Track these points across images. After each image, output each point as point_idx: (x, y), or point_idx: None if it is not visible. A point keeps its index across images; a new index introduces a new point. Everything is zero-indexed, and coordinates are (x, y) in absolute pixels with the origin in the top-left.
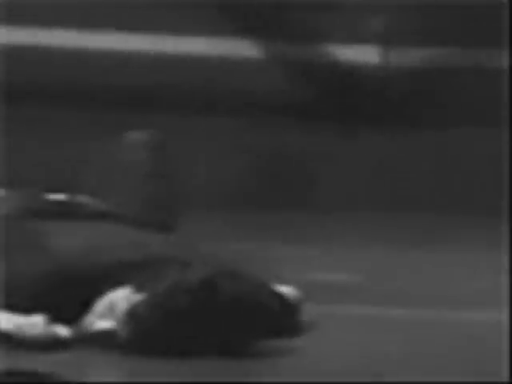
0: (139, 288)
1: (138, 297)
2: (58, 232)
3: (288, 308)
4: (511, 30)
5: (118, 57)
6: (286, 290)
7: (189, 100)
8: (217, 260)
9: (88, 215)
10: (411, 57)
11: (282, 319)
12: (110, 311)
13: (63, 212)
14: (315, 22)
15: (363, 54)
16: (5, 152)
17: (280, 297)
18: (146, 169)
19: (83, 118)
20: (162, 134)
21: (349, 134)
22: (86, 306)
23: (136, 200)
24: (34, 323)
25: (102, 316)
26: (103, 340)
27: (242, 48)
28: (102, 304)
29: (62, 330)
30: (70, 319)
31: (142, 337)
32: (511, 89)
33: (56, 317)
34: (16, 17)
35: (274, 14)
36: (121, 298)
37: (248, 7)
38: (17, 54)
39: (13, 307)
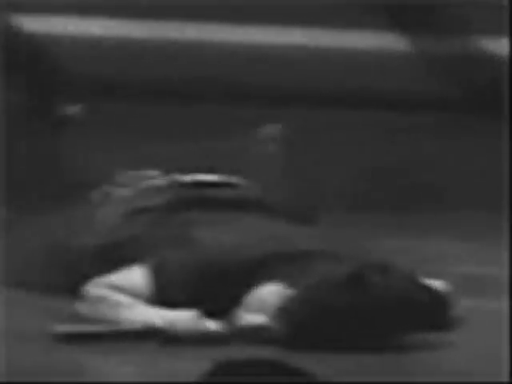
0: (289, 282)
1: (288, 292)
2: (208, 224)
3: (438, 302)
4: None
5: (254, 52)
6: (435, 283)
7: (325, 94)
8: (365, 253)
9: (237, 203)
10: None
11: (433, 313)
12: (261, 306)
13: (214, 199)
14: (463, 15)
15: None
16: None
17: (430, 290)
18: (281, 163)
19: (217, 112)
20: (294, 129)
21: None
22: (233, 300)
23: (277, 194)
24: (186, 318)
25: (252, 310)
26: (255, 335)
27: (388, 42)
28: (251, 298)
29: (213, 325)
30: (218, 314)
31: (294, 332)
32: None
33: (207, 312)
34: (157, 10)
35: (422, 9)
36: (271, 292)
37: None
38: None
39: (164, 302)
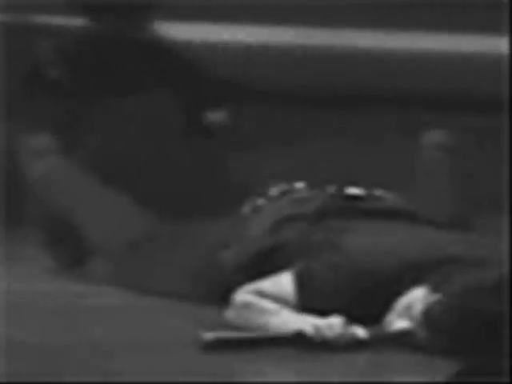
0: (435, 288)
1: (433, 297)
2: (354, 231)
3: None
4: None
5: (418, 58)
6: None
7: (490, 100)
8: None
9: (384, 211)
10: None
11: None
12: (408, 311)
13: (361, 208)
14: None
15: None
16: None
17: None
18: (445, 169)
19: (381, 118)
20: (458, 135)
21: None
22: (380, 306)
23: (437, 200)
24: (333, 324)
25: (400, 316)
26: (400, 340)
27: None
28: (400, 304)
29: (360, 331)
30: (368, 321)
31: (438, 337)
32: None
33: (354, 318)
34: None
35: None
36: (417, 298)
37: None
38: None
39: (311, 309)
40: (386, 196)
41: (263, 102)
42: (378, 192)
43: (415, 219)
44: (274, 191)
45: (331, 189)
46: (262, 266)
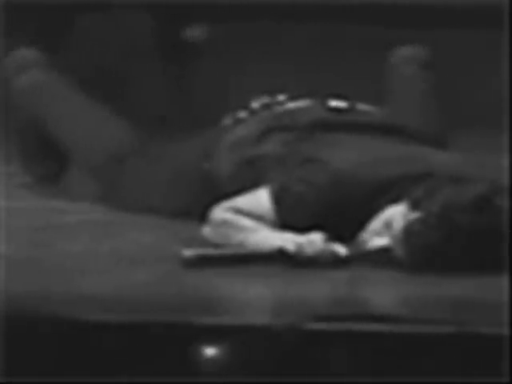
0: (415, 205)
1: (413, 214)
2: (337, 145)
3: None
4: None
5: None
6: None
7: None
8: (494, 175)
9: (367, 125)
10: None
11: None
12: (387, 228)
13: (345, 122)
14: None
15: None
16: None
17: None
18: (418, 85)
19: (354, 33)
20: (430, 50)
21: None
22: (359, 223)
23: (413, 115)
24: (313, 241)
25: (379, 233)
26: (379, 257)
27: None
28: (378, 221)
29: (340, 248)
30: (345, 237)
31: (417, 254)
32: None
33: (332, 235)
34: None
35: None
36: (397, 215)
37: None
38: None
39: (289, 226)
40: (368, 110)
41: (242, 16)
42: (360, 106)
43: (399, 134)
44: (255, 104)
45: (315, 101)
46: (244, 175)
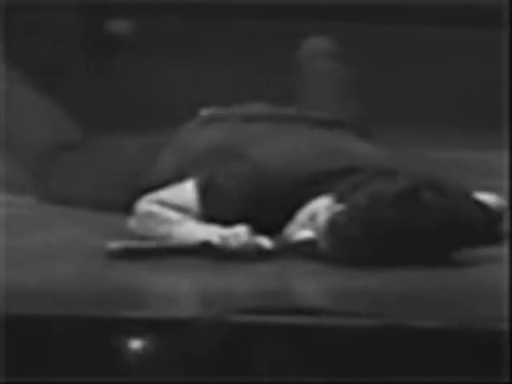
0: (339, 198)
1: (338, 207)
2: (262, 140)
3: (490, 217)
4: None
5: None
6: (490, 197)
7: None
8: (420, 170)
9: (292, 120)
10: None
11: (484, 228)
12: (311, 221)
13: (271, 116)
14: None
15: None
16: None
17: (482, 205)
18: (333, 76)
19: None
20: (341, 42)
21: None
22: (287, 216)
23: (327, 107)
24: (238, 234)
25: (304, 226)
26: (304, 250)
27: None
28: (303, 214)
29: (265, 241)
30: (272, 230)
31: (341, 247)
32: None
33: (258, 228)
34: None
35: None
36: (321, 207)
37: None
38: None
39: (214, 219)
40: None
41: (166, 12)
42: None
43: (323, 128)
44: (204, 112)
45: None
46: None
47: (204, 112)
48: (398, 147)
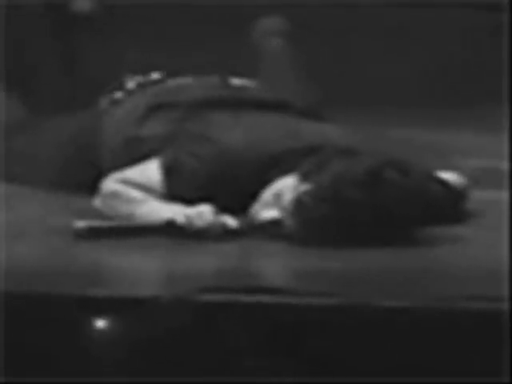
0: (304, 177)
1: (303, 186)
2: (224, 122)
3: (453, 195)
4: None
5: None
6: (451, 176)
7: None
8: (383, 149)
9: (251, 102)
10: None
11: (447, 207)
12: (277, 201)
13: (231, 98)
14: None
15: None
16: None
17: (445, 184)
18: (285, 56)
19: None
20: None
21: None
22: (252, 196)
23: (283, 88)
24: (203, 213)
25: (269, 205)
26: (270, 229)
27: None
28: (268, 193)
29: (230, 220)
30: (237, 210)
31: (307, 227)
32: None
33: (224, 208)
34: None
35: None
36: (287, 187)
37: None
38: None
39: (178, 198)
40: (244, 84)
41: None
42: (234, 80)
43: (284, 109)
44: (130, 84)
45: (214, 79)
46: (134, 152)
47: (130, 83)
48: (363, 126)
